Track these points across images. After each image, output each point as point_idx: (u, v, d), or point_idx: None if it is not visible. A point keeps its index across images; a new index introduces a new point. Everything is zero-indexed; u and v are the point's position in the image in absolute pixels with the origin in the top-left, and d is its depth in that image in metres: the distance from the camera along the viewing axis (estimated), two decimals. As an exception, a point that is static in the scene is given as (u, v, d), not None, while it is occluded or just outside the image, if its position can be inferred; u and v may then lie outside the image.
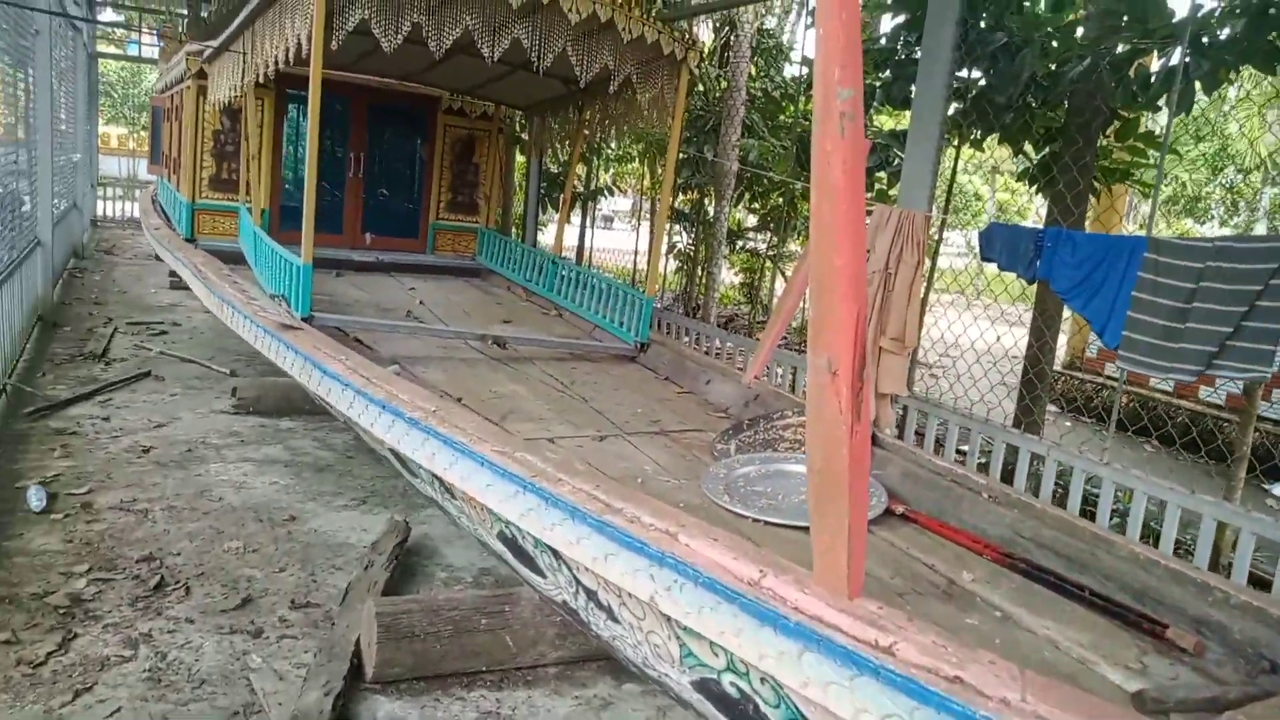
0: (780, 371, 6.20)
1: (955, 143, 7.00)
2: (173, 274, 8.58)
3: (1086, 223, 6.56)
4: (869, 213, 5.22)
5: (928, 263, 5.32)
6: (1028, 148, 6.76)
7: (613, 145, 13.51)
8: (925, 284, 5.28)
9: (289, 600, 3.84)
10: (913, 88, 7.22)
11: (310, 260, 4.35)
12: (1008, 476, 4.84)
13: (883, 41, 7.54)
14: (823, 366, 1.58)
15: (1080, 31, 6.22)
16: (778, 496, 2.88)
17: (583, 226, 13.50)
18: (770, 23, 12.91)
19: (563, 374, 4.65)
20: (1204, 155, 17.79)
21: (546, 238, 14.72)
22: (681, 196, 14.55)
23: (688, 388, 4.63)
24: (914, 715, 1.40)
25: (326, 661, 3.34)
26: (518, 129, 10.98)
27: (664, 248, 15.38)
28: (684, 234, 12.91)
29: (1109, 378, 9.98)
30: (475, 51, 5.45)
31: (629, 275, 16.76)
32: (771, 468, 3.10)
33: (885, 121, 11.72)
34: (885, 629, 1.54)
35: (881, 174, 8.16)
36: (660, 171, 14.62)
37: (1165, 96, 5.56)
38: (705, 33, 12.13)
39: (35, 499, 4.47)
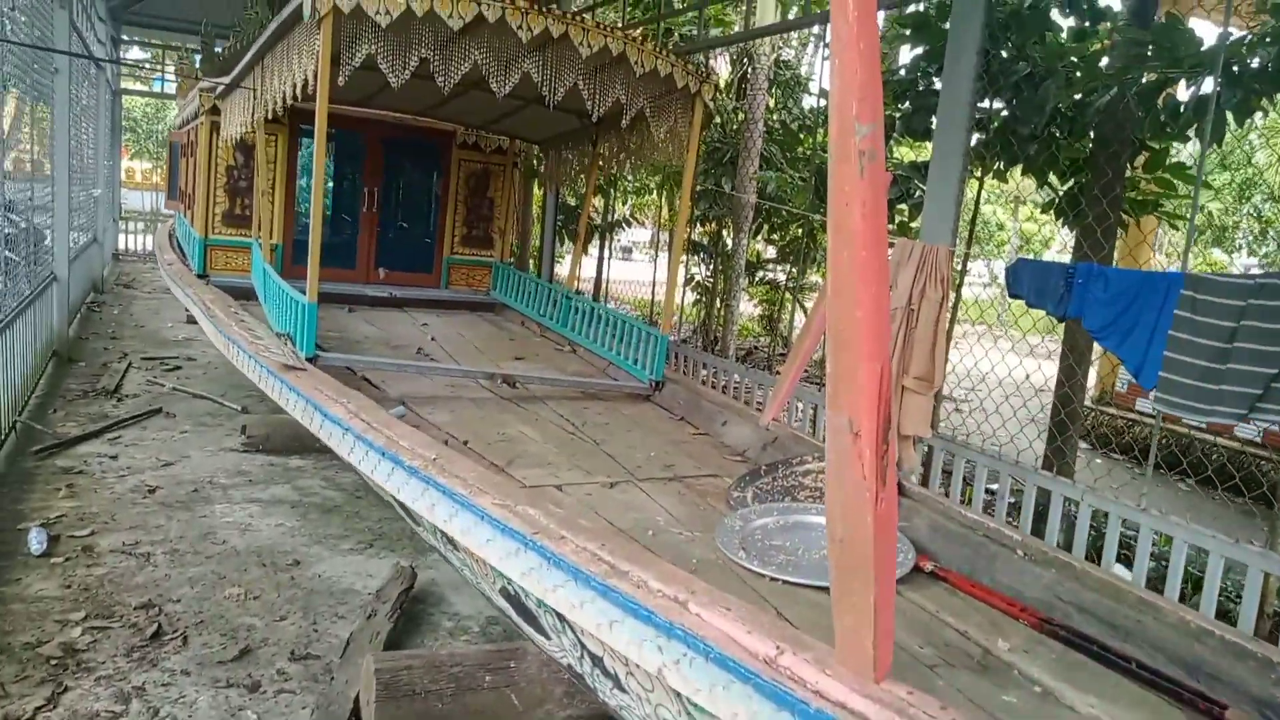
0: (800, 407, 6.04)
1: (978, 174, 6.86)
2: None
3: (1115, 255, 6.39)
4: (890, 245, 5.08)
5: (953, 297, 5.16)
6: (1052, 179, 6.62)
7: (630, 177, 13.47)
8: (950, 318, 5.11)
9: (289, 651, 3.70)
10: (933, 119, 7.13)
11: (315, 299, 4.26)
12: (1040, 518, 4.64)
13: (901, 73, 7.46)
14: (843, 426, 1.44)
15: (1105, 61, 6.09)
16: (797, 551, 2.72)
17: (601, 258, 13.43)
18: (788, 54, 12.87)
19: (574, 414, 4.52)
20: (1230, 185, 17.55)
21: (565, 270, 14.67)
22: (699, 228, 14.48)
23: (703, 428, 4.48)
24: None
25: (323, 720, 3.19)
26: (534, 162, 10.97)
27: (680, 282, 15.32)
28: (702, 266, 12.81)
29: (1140, 413, 9.72)
30: (486, 87, 5.41)
31: (647, 306, 16.68)
32: (791, 519, 2.94)
33: (905, 153, 11.62)
34: (916, 720, 1.38)
35: (903, 206, 8.02)
36: (678, 203, 14.58)
37: (1196, 126, 5.41)
38: (723, 65, 12.11)
39: (36, 542, 4.37)
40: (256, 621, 3.91)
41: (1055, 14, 6.16)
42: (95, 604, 3.91)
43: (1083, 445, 8.99)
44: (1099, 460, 8.87)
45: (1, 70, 6.13)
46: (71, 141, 8.93)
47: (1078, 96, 5.92)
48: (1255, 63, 4.99)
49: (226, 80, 6.14)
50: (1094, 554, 4.56)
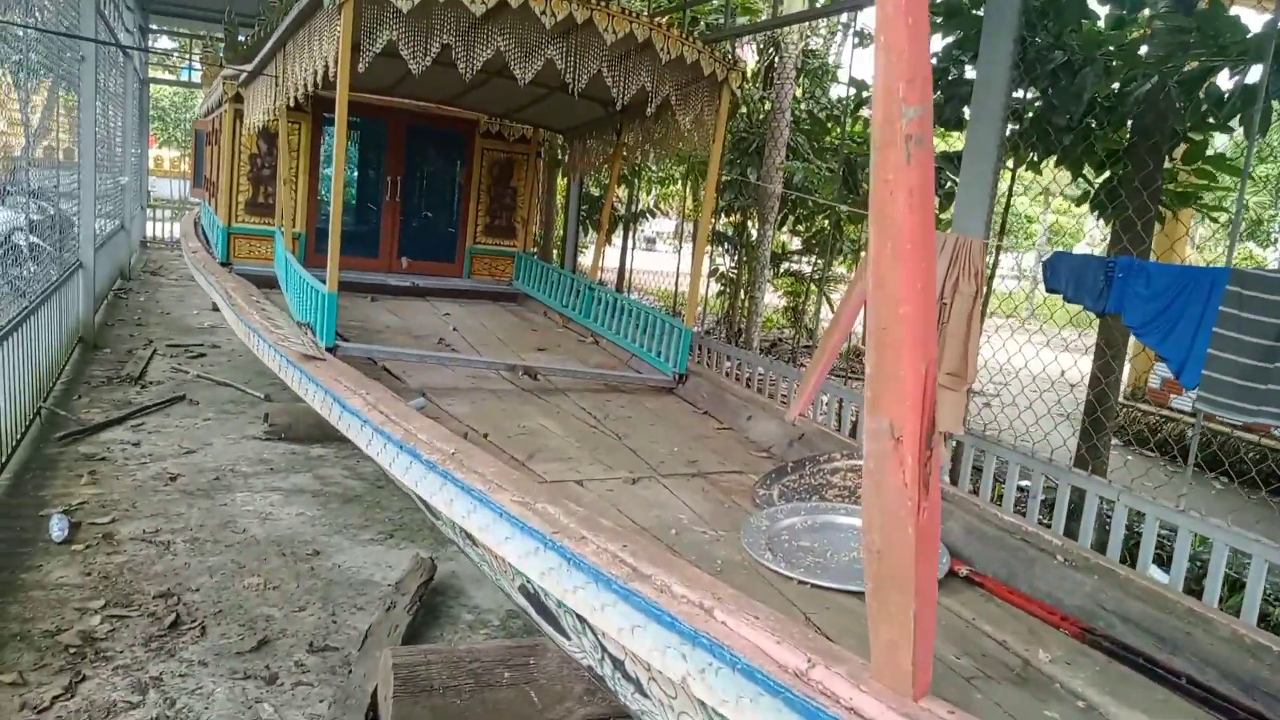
0: (825, 400, 5.94)
1: (1010, 165, 6.71)
2: (213, 297, 8.57)
3: (1152, 249, 6.22)
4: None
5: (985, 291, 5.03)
6: (1087, 171, 6.45)
7: (654, 167, 13.37)
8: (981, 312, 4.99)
9: (307, 642, 3.66)
10: (965, 109, 6.97)
11: (335, 288, 4.21)
12: (1074, 514, 4.52)
13: (933, 61, 7.31)
14: (884, 431, 1.35)
15: (1144, 50, 5.92)
16: (826, 553, 2.63)
17: (624, 248, 13.34)
18: (815, 43, 12.69)
19: (596, 407, 4.45)
20: (1268, 178, 17.16)
21: (589, 260, 14.60)
22: (724, 219, 14.35)
23: (727, 423, 4.39)
24: None
25: (341, 715, 3.15)
26: (558, 152, 10.88)
27: (704, 273, 15.20)
28: (726, 257, 12.69)
29: (1174, 410, 9.52)
30: (509, 74, 5.33)
31: (670, 297, 16.59)
32: (819, 519, 2.85)
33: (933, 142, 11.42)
34: (957, 742, 1.29)
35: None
36: (703, 193, 14.45)
37: (1240, 116, 5.24)
38: (750, 54, 11.96)
39: (57, 529, 4.37)
40: (275, 612, 3.88)
41: (1093, 1, 6.00)
42: (115, 592, 3.90)
43: (1114, 442, 8.82)
44: (1130, 457, 8.69)
45: (28, 59, 6.13)
46: (99, 130, 8.96)
47: (1116, 86, 5.76)
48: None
49: (249, 68, 6.11)
50: (1128, 555, 4.44)
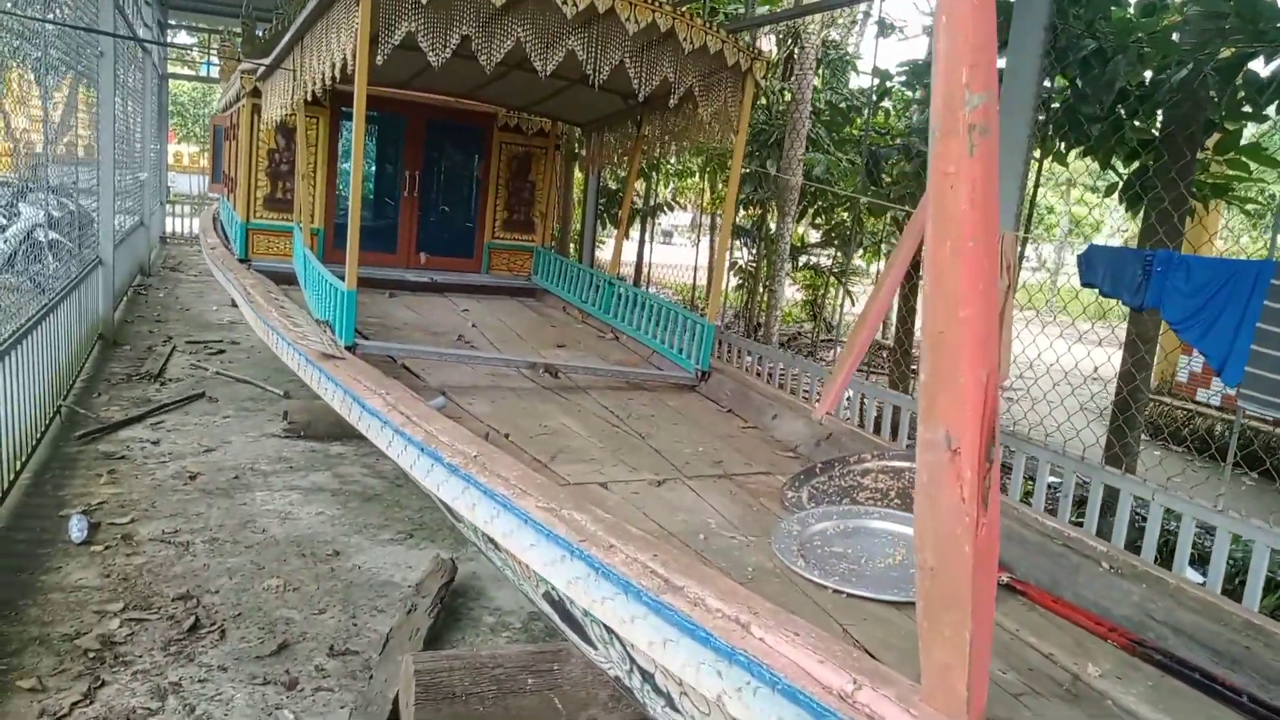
0: (850, 396, 5.83)
1: (1037, 155, 6.57)
2: (232, 293, 8.55)
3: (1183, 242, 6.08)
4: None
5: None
6: (1114, 161, 6.30)
7: (672, 160, 13.25)
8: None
9: (327, 646, 3.61)
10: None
11: (355, 286, 4.15)
12: (1105, 509, 4.41)
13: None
14: (939, 442, 1.26)
15: (1176, 36, 5.76)
16: (860, 560, 2.54)
17: (641, 242, 13.25)
18: (833, 35, 12.53)
19: (618, 405, 4.37)
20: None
21: (605, 254, 14.50)
22: (743, 212, 14.22)
23: (752, 421, 4.30)
24: None
25: (361, 722, 3.10)
26: (576, 145, 10.80)
27: (726, 268, 15.10)
28: (745, 250, 12.58)
29: (1200, 404, 9.35)
30: (531, 66, 5.24)
31: (688, 291, 16.49)
32: (851, 524, 2.76)
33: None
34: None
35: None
36: (721, 186, 14.34)
37: (1278, 104, 5.10)
38: (768, 45, 11.82)
39: (76, 529, 4.34)
40: (295, 614, 3.83)
41: (1123, -13, 5.85)
42: (134, 594, 3.86)
43: (1142, 437, 8.66)
44: (1159, 453, 8.54)
45: (48, 54, 6.10)
46: (118, 125, 8.96)
47: (1148, 74, 5.61)
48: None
49: (267, 62, 6.06)
50: (1162, 555, 4.33)
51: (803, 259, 13.64)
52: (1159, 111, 5.68)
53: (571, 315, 6.77)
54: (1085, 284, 4.01)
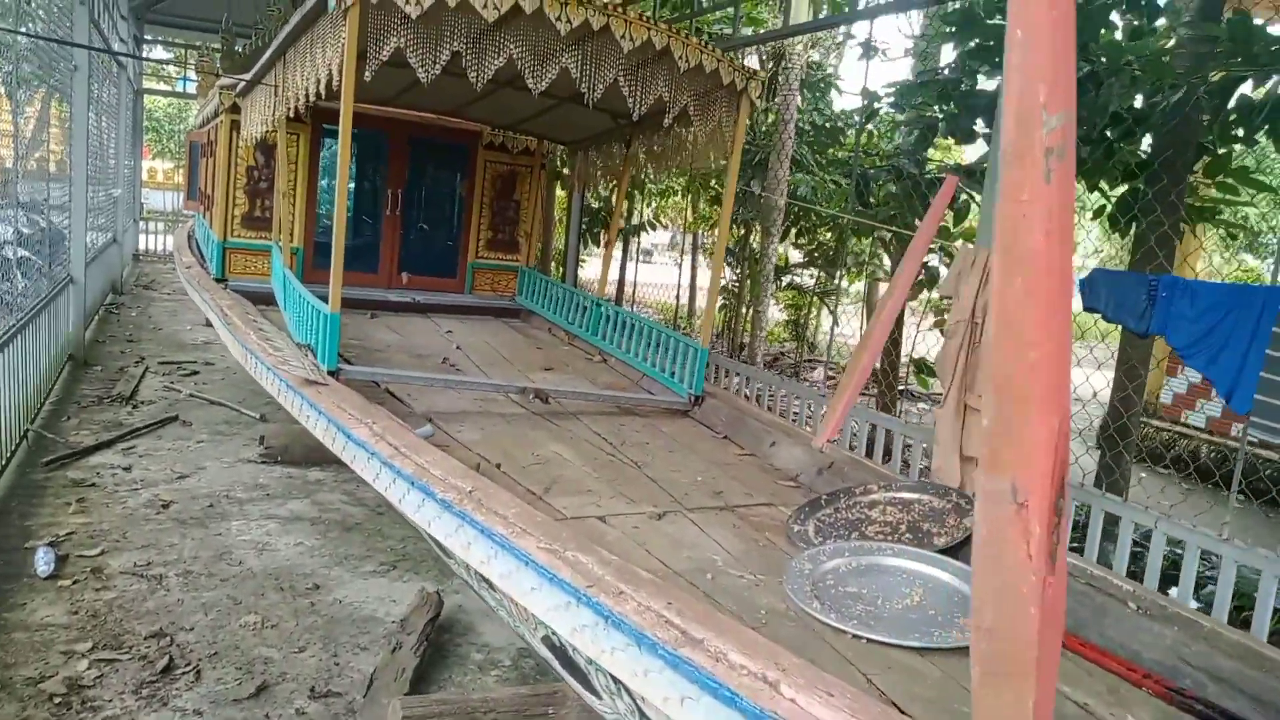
0: (853, 426, 5.72)
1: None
2: (208, 314, 8.35)
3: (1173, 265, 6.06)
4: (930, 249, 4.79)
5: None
6: (1102, 184, 6.29)
7: (655, 180, 13.20)
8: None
9: (309, 687, 3.45)
10: (979, 120, 6.82)
11: (338, 309, 4.00)
12: (1106, 536, 4.33)
13: (945, 72, 7.15)
14: (1004, 494, 1.15)
15: (1166, 60, 5.76)
16: (877, 600, 2.43)
17: (624, 261, 13.16)
18: (814, 56, 12.56)
19: (611, 431, 4.24)
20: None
21: (585, 273, 14.41)
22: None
23: (749, 449, 4.19)
24: None
25: (345, 770, 2.94)
26: (558, 163, 10.70)
27: (719, 290, 15.02)
28: (729, 270, 12.53)
29: (1188, 426, 9.35)
30: (519, 84, 5.14)
31: (670, 310, 16.42)
32: (864, 560, 2.65)
33: (934, 154, 11.28)
34: None
35: (948, 212, 7.70)
36: (704, 205, 14.30)
37: (1269, 128, 5.09)
38: (753, 64, 11.80)
39: (43, 562, 4.14)
40: (274, 653, 3.66)
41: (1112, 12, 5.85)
42: (103, 633, 3.67)
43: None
44: (1143, 474, 8.51)
45: (19, 68, 5.93)
46: (92, 141, 8.76)
47: (1140, 98, 5.60)
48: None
49: (247, 77, 5.91)
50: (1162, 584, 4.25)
51: (786, 279, 13.60)
52: (1149, 135, 5.67)
53: (558, 337, 6.64)
54: (1088, 309, 3.95)
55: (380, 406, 3.66)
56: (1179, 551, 3.99)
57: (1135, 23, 6.03)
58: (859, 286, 14.39)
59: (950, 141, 8.85)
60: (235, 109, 6.51)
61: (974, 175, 6.42)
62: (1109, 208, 6.29)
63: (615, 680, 2.01)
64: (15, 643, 3.52)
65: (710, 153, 5.12)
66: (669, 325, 12.65)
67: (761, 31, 10.44)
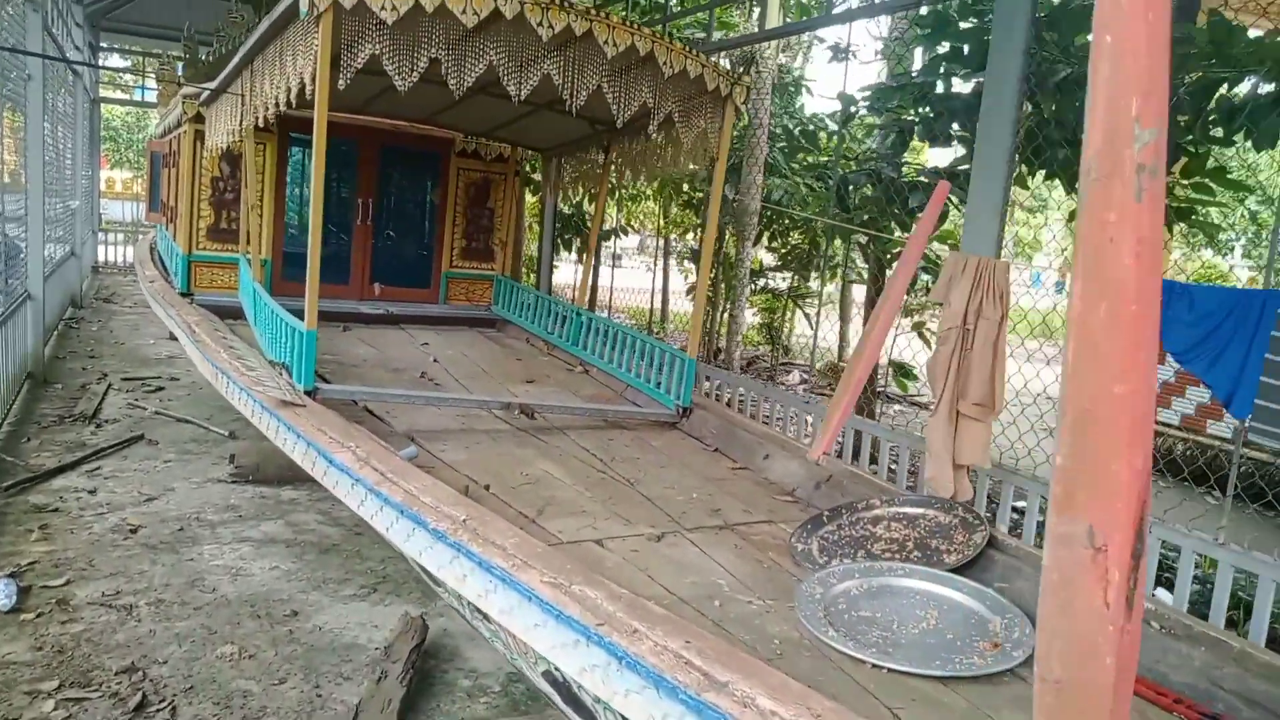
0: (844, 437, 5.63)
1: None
2: (172, 329, 8.10)
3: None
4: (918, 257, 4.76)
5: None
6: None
7: (630, 185, 13.11)
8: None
9: (290, 722, 3.30)
10: (955, 124, 6.80)
11: (315, 326, 3.85)
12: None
13: (914, 77, 7.13)
14: (1080, 537, 1.06)
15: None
16: (892, 624, 2.34)
17: (596, 266, 13.02)
18: (783, 59, 12.55)
19: (599, 447, 4.12)
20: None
21: (555, 278, 14.24)
22: (695, 236, 14.09)
23: (742, 462, 4.09)
24: None
25: (334, 813, 2.80)
26: (529, 169, 10.56)
27: (680, 290, 14.98)
28: (703, 275, 12.42)
29: (1163, 424, 9.40)
30: (493, 90, 5.02)
31: (642, 315, 16.32)
32: (875, 582, 2.56)
33: (912, 156, 11.30)
34: None
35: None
36: (676, 210, 14.23)
37: (1246, 130, 5.10)
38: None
39: (3, 595, 3.95)
40: (253, 686, 3.50)
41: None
42: (71, 669, 3.49)
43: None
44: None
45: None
46: (48, 152, 8.48)
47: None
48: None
49: (211, 86, 5.73)
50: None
51: (760, 282, 13.56)
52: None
53: (536, 347, 6.52)
54: (1082, 314, 3.90)
55: (360, 427, 3.52)
56: (1171, 555, 3.97)
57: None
58: (831, 289, 14.38)
59: (916, 144, 8.84)
60: (199, 119, 6.31)
61: (957, 178, 6.39)
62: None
63: (627, 721, 1.89)
64: (-24, 684, 3.34)
65: (693, 159, 5.04)
66: (642, 330, 12.56)
67: (733, 36, 10.38)
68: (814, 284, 13.89)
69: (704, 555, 2.81)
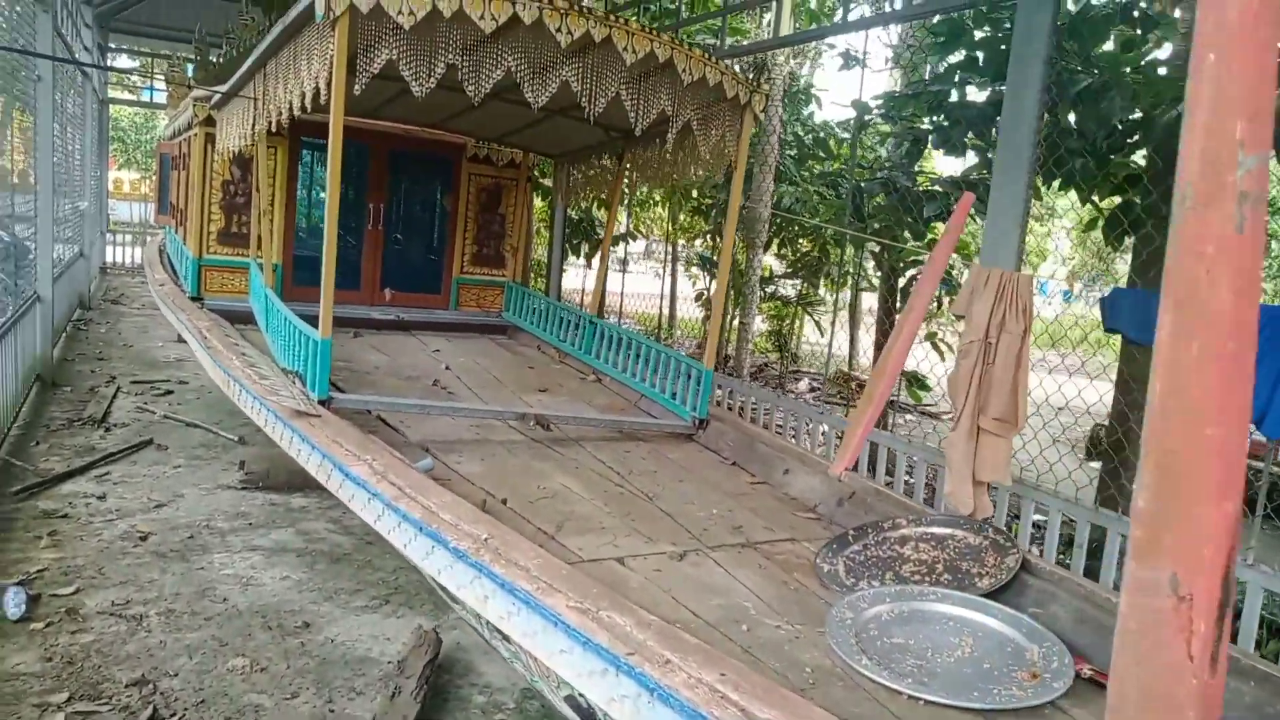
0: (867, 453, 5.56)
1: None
2: (181, 332, 8.05)
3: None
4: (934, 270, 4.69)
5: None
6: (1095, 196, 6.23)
7: (648, 192, 13.09)
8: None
9: (302, 738, 3.25)
10: (970, 133, 6.74)
11: (329, 334, 3.80)
12: (1093, 553, 4.22)
13: (929, 86, 7.07)
14: (1161, 585, 1.00)
15: (1164, 73, 5.72)
16: (926, 652, 2.28)
17: (605, 272, 12.98)
18: (790, 66, 12.50)
19: (616, 459, 4.06)
20: None
21: (563, 283, 14.19)
22: (707, 241, 14.05)
23: (761, 476, 4.02)
24: None
25: (347, 834, 2.75)
26: (538, 173, 10.52)
27: (689, 296, 14.92)
28: (713, 280, 12.42)
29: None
30: (507, 96, 4.97)
31: (651, 320, 16.27)
32: (907, 607, 2.50)
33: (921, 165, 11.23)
34: None
35: (939, 224, 7.61)
36: (684, 217, 14.17)
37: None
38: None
39: (13, 604, 3.90)
40: (265, 700, 3.45)
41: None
42: (80, 681, 3.45)
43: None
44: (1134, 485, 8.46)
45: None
46: (57, 153, 8.46)
47: (1139, 109, 5.54)
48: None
49: (223, 89, 5.69)
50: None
51: (768, 289, 13.51)
52: (1150, 146, 5.61)
53: (548, 354, 6.46)
54: (1109, 330, 3.84)
55: (375, 438, 3.46)
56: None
57: (1128, 34, 5.98)
58: (840, 296, 14.32)
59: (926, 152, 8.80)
60: (210, 121, 6.27)
61: (961, 188, 6.34)
62: (1100, 221, 6.25)
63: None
64: (-16, 696, 3.29)
65: (710, 166, 4.98)
66: (650, 335, 12.51)
67: (745, 43, 10.34)
68: (823, 291, 13.85)
69: (728, 576, 2.75)
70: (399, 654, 3.77)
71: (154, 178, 12.44)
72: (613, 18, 3.73)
